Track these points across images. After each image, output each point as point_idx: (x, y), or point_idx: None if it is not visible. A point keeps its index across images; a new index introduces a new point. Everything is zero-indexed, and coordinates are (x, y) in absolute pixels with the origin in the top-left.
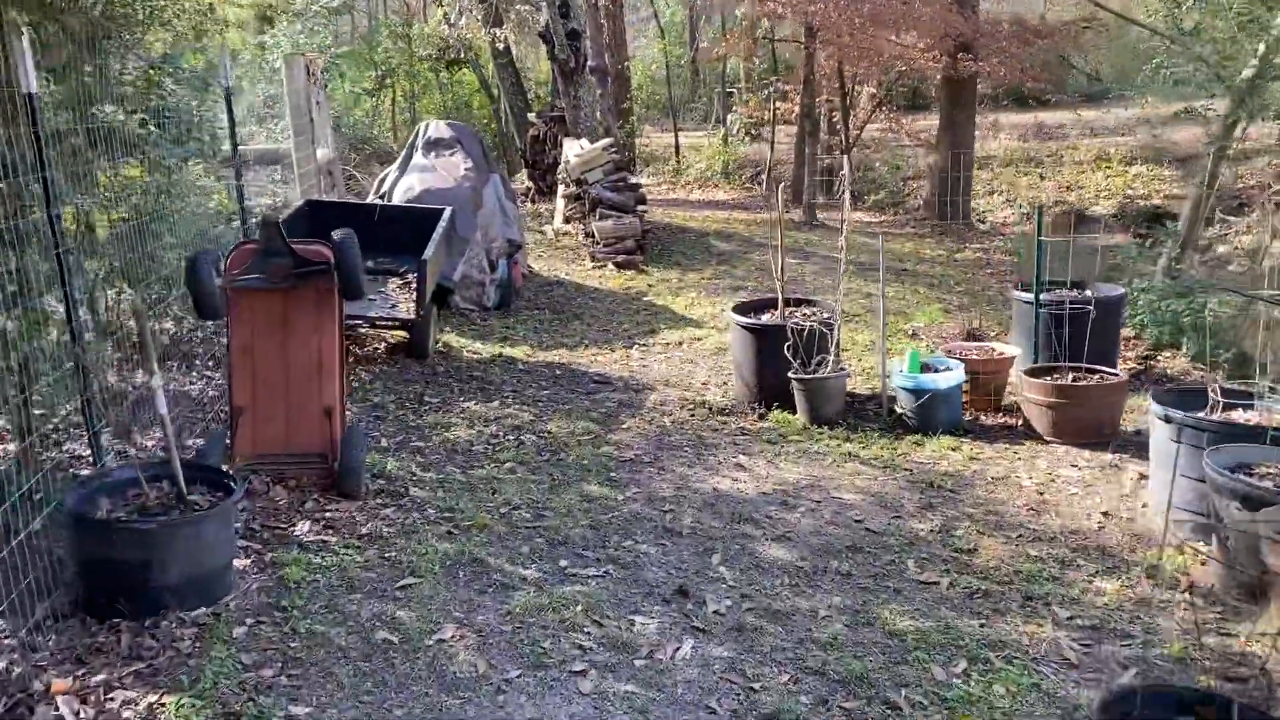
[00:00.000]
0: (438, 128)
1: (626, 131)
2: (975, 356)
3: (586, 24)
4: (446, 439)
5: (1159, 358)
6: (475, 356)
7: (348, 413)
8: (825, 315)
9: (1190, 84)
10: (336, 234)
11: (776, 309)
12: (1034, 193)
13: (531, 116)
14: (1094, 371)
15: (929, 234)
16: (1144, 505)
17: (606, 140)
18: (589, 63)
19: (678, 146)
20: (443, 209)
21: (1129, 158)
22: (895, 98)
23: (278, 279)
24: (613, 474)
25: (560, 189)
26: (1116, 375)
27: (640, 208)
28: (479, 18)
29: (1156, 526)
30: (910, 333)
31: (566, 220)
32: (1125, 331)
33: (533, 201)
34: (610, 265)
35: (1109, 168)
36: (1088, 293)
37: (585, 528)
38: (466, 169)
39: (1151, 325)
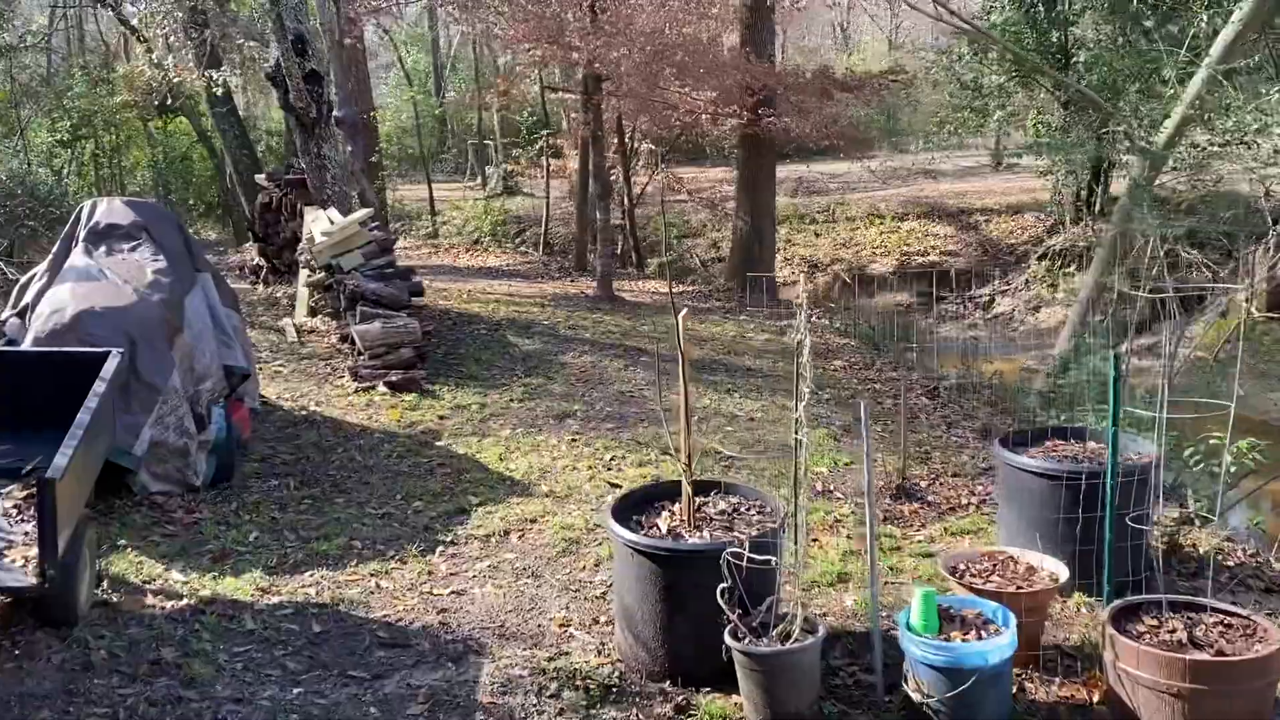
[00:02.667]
0: (110, 209)
1: (377, 188)
2: (1008, 586)
3: (331, 65)
4: None
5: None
6: (167, 609)
7: None
8: (757, 512)
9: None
10: None
11: (676, 503)
12: (811, 251)
13: (261, 178)
14: (1195, 608)
15: (740, 310)
16: None
17: (363, 212)
18: (335, 112)
19: (432, 202)
20: (106, 354)
21: (901, 213)
22: (676, 153)
23: None
24: None
25: (303, 271)
26: (1253, 623)
27: (417, 300)
28: (190, 57)
29: None
30: (820, 489)
31: (313, 312)
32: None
33: (265, 283)
34: (381, 387)
35: (881, 223)
36: (1105, 448)
37: None
38: (157, 271)
39: None
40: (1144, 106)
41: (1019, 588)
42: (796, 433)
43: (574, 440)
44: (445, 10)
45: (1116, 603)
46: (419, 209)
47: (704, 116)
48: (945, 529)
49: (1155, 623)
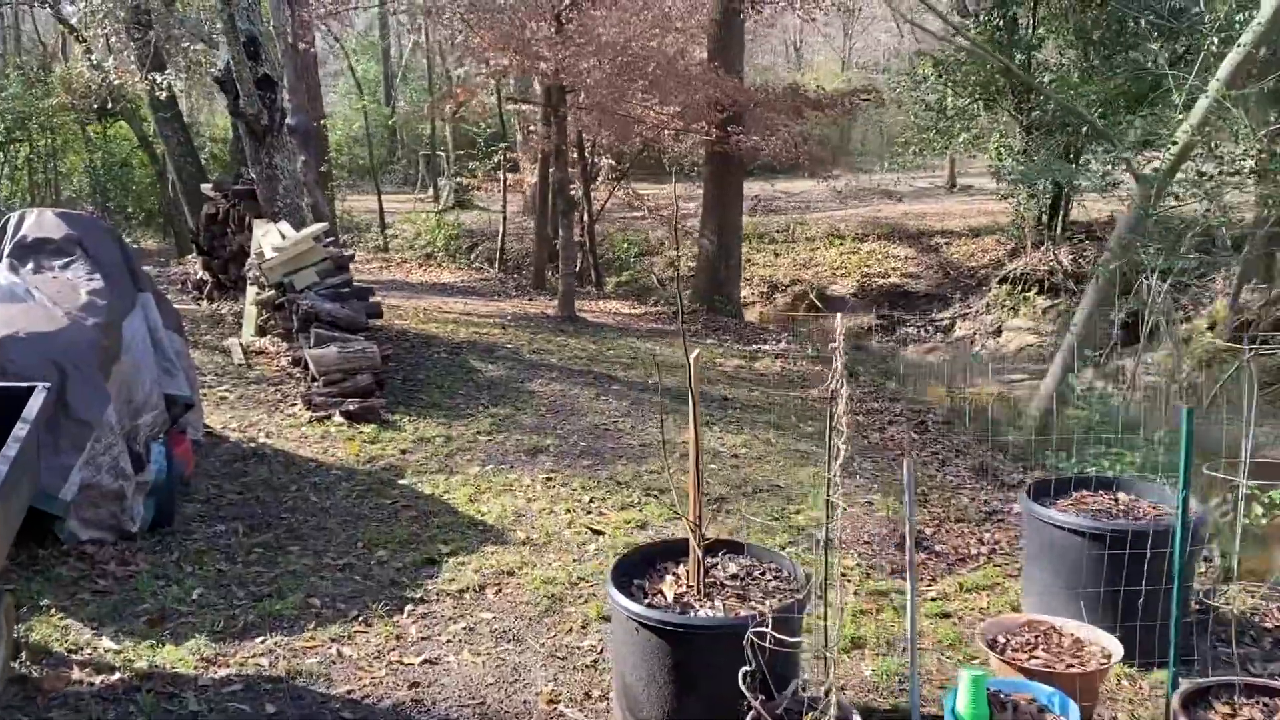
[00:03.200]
0: (40, 222)
1: (327, 198)
2: (1056, 664)
3: (284, 70)
4: None
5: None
6: (96, 686)
7: None
8: (773, 577)
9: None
10: None
11: (680, 565)
12: (771, 271)
13: (208, 188)
14: (1269, 692)
15: (706, 332)
16: None
17: (318, 226)
18: (288, 120)
19: (382, 214)
20: (31, 389)
21: (861, 234)
22: (636, 169)
23: None
24: None
25: (251, 288)
26: None
27: (375, 322)
28: (133, 59)
29: None
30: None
31: (261, 331)
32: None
33: (209, 299)
34: (337, 416)
35: (841, 243)
36: (1137, 500)
37: None
38: (92, 292)
39: None
40: (1132, 131)
41: (1069, 666)
42: (829, 494)
43: (549, 479)
44: (397, 19)
45: (1185, 687)
46: (368, 220)
47: (667, 132)
48: (959, 584)
49: (1229, 709)
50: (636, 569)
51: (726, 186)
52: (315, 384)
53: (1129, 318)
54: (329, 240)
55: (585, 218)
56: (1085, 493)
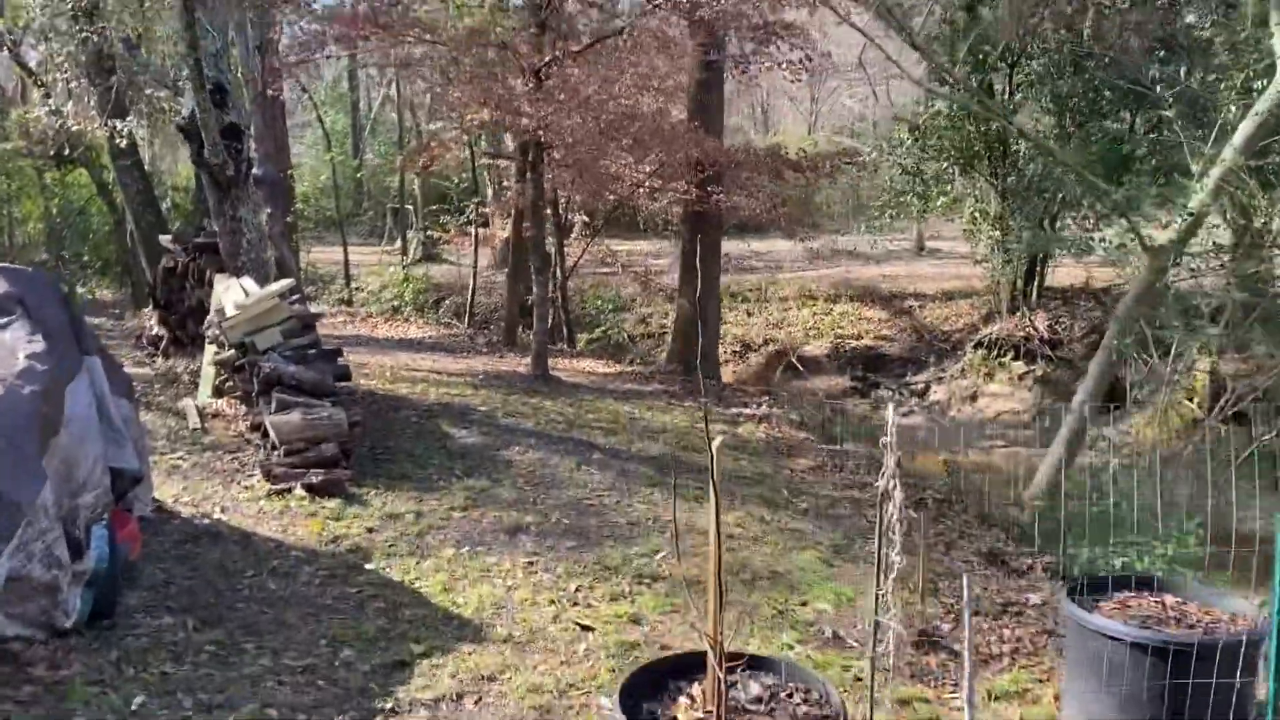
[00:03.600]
0: None
1: (293, 250)
2: None
3: (252, 118)
4: None
5: None
6: None
7: None
8: (802, 700)
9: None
10: None
11: (695, 684)
12: (744, 330)
13: (167, 240)
14: None
15: (685, 396)
16: None
17: (284, 283)
18: (254, 171)
19: (348, 267)
20: None
21: (833, 295)
22: (610, 225)
23: None
24: None
25: (210, 347)
26: None
27: (343, 385)
28: (93, 104)
29: None
30: (829, 635)
31: (218, 392)
32: None
33: (164, 355)
34: (299, 490)
35: (814, 304)
36: (1185, 604)
37: None
38: (32, 355)
39: None
40: (1146, 199)
41: None
42: (877, 614)
43: (530, 564)
44: (366, 72)
45: None
46: (333, 272)
47: (642, 190)
48: (987, 691)
49: None
50: (646, 692)
51: (705, 246)
52: (276, 453)
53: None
54: (295, 297)
55: (558, 274)
56: (1128, 594)
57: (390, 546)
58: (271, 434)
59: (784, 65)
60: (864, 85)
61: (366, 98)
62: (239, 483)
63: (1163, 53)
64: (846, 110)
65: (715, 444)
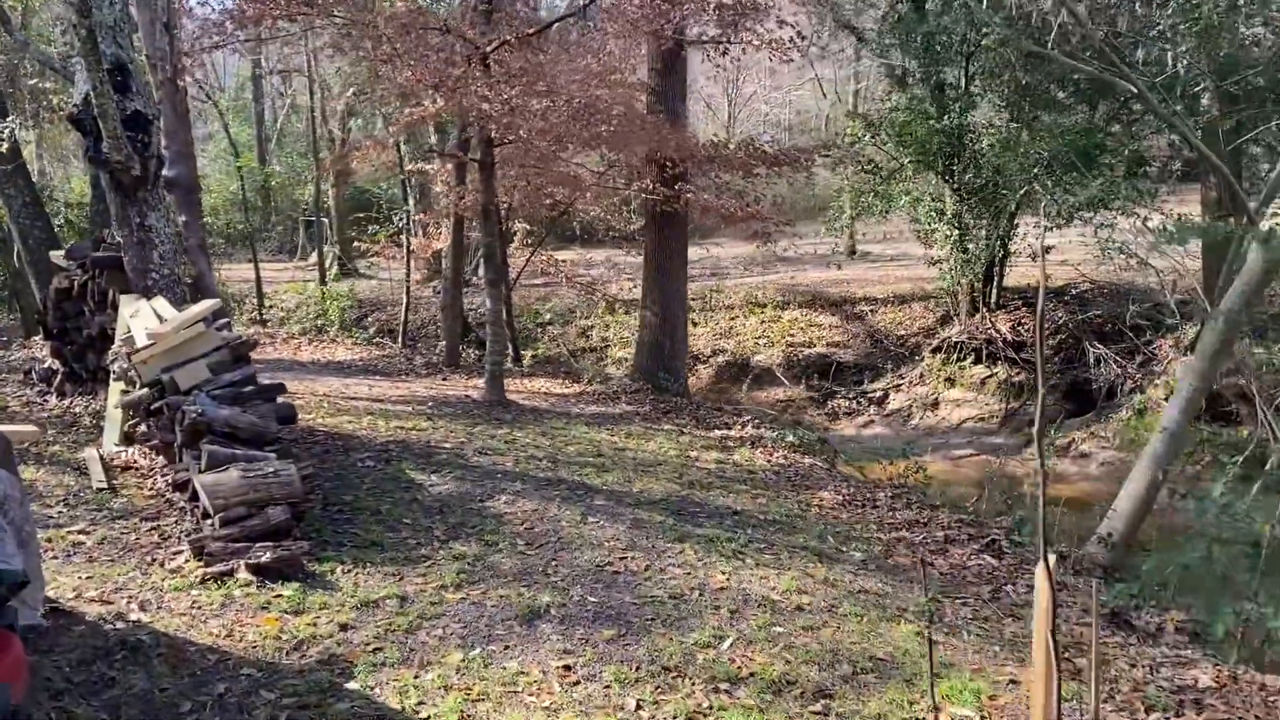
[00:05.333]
0: None
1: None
2: None
3: (163, 107)
4: None
5: None
6: None
7: None
8: None
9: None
10: None
11: None
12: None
13: (59, 255)
14: None
15: (660, 417)
16: None
17: (207, 304)
18: (165, 171)
19: (260, 284)
20: None
21: (781, 301)
22: (551, 234)
23: None
24: None
25: (115, 385)
26: None
27: (285, 429)
28: None
29: None
30: None
31: (128, 439)
32: None
33: (60, 394)
34: (243, 572)
35: (762, 311)
36: None
37: None
38: None
39: None
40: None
41: None
42: None
43: (566, 668)
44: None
45: None
46: (245, 290)
47: (598, 191)
48: None
49: None
50: None
51: (670, 252)
52: (209, 522)
53: (1069, 386)
54: (222, 322)
55: (504, 283)
56: None
57: (375, 652)
58: (203, 498)
59: (768, 45)
60: (779, 92)
61: (271, 108)
62: (162, 563)
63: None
64: (759, 116)
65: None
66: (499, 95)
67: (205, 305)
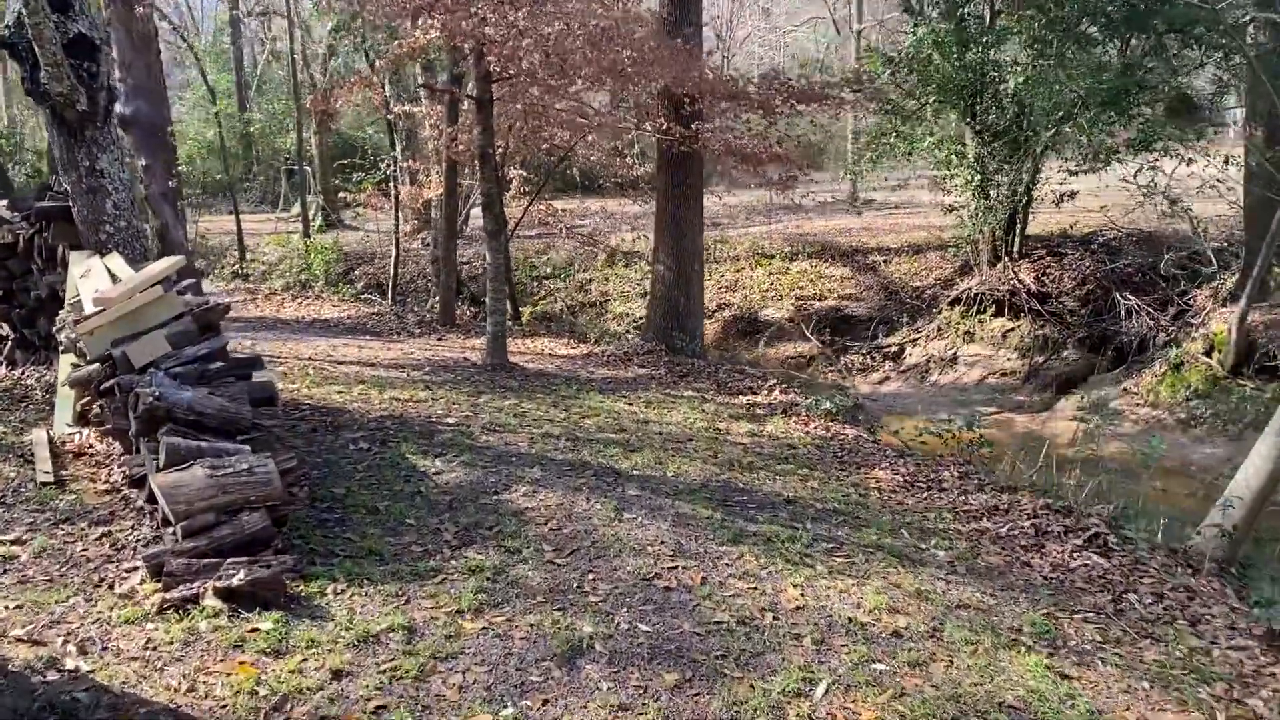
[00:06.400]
0: None
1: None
2: None
3: (112, 35)
4: None
5: None
6: None
7: None
8: None
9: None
10: None
11: None
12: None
13: (1, 207)
14: None
15: (678, 381)
16: None
17: (168, 262)
18: (119, 108)
19: (241, 237)
20: None
21: (789, 252)
22: (551, 180)
23: None
24: None
25: (65, 359)
26: None
27: (268, 416)
28: None
29: None
30: None
31: (83, 419)
32: None
33: (10, 363)
34: (210, 598)
35: (769, 263)
36: None
37: None
38: None
39: None
40: None
41: None
42: None
43: None
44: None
45: None
46: (225, 244)
47: (593, 137)
48: None
49: None
50: None
51: (685, 199)
52: (170, 531)
53: (1098, 339)
54: (188, 283)
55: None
56: None
57: (379, 713)
58: (161, 503)
59: None
60: (774, 34)
61: (251, 53)
62: (112, 585)
63: None
64: (755, 59)
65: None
66: (503, 18)
67: (165, 264)
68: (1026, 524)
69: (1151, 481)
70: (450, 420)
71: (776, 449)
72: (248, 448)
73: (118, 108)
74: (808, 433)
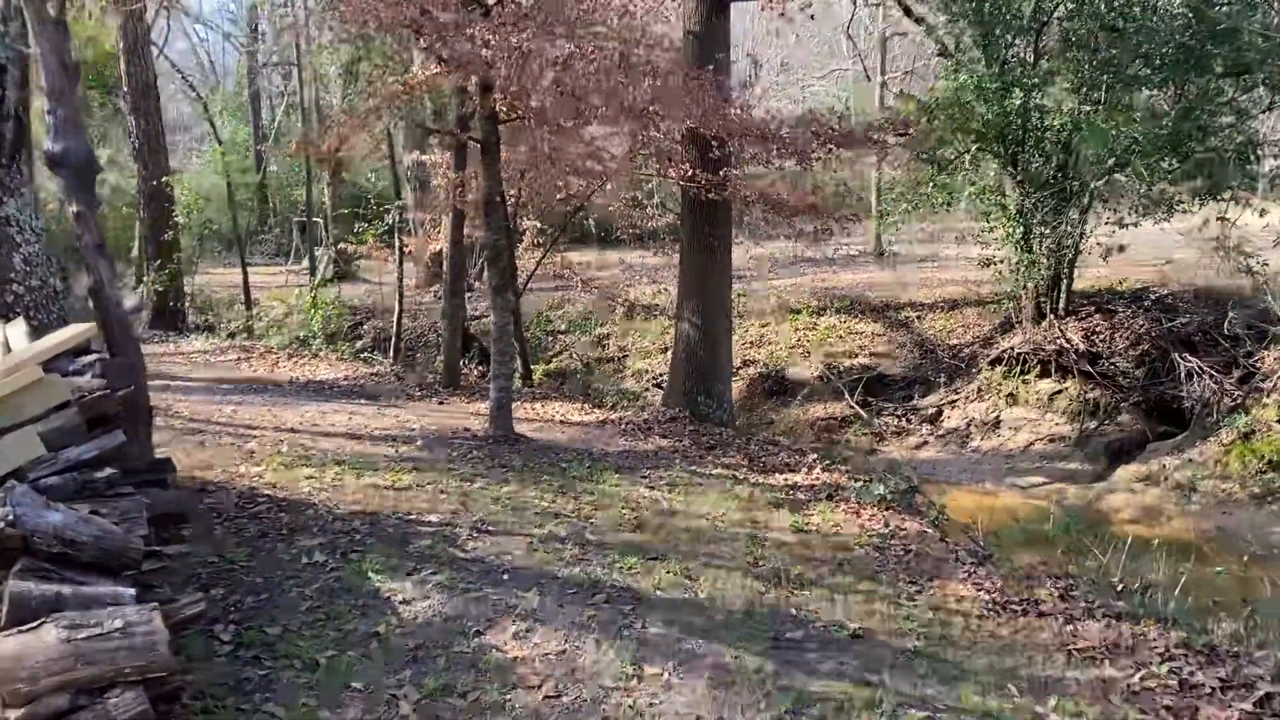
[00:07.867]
0: None
1: (169, 274)
2: None
3: (34, 45)
4: None
5: None
6: None
7: None
8: None
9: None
10: None
11: None
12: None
13: None
14: None
15: (704, 455)
16: None
17: (69, 332)
18: (46, 144)
19: (248, 290)
20: None
21: (817, 307)
22: (566, 231)
23: None
24: None
25: None
26: None
27: (182, 527)
28: None
29: None
30: None
31: None
32: None
33: None
34: None
35: (796, 318)
36: None
37: None
38: None
39: None
40: None
41: None
42: None
43: None
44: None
45: None
46: (232, 297)
47: (611, 184)
48: None
49: None
50: None
51: (712, 252)
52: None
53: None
54: (90, 360)
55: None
56: None
57: None
58: None
59: None
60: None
61: (269, 107)
62: None
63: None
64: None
65: None
66: (504, 40)
67: (62, 335)
68: (1163, 670)
69: (1239, 571)
70: (433, 518)
71: (828, 551)
72: (132, 591)
73: (46, 144)
74: (862, 527)
